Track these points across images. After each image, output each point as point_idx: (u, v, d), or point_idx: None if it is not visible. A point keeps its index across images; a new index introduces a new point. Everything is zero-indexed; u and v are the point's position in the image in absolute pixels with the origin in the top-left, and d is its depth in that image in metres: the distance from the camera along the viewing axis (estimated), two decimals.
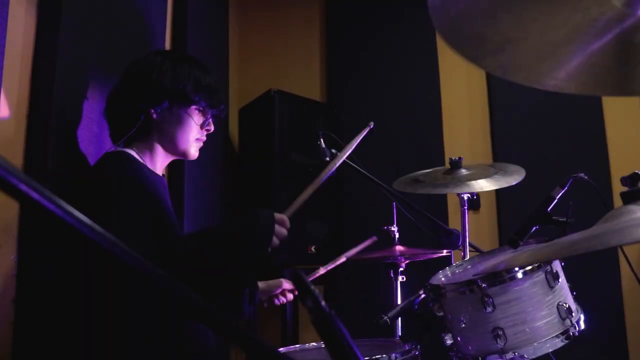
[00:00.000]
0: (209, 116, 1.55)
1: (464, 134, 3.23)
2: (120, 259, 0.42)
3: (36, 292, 1.35)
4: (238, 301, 1.31)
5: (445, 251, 2.00)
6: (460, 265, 1.71)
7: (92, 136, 1.59)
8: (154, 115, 1.46)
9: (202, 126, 1.54)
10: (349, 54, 3.37)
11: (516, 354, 1.32)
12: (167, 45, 2.27)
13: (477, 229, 2.95)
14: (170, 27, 2.33)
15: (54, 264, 1.35)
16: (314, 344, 1.70)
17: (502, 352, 1.33)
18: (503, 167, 1.91)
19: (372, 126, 1.83)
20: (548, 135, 3.02)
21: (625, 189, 0.85)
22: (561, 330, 1.34)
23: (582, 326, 1.38)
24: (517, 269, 1.34)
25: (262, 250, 1.34)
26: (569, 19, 0.54)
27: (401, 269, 2.04)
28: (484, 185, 1.82)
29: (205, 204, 2.48)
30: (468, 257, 1.91)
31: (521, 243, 1.49)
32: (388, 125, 3.19)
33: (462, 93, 3.27)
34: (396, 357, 1.42)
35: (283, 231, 1.38)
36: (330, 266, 1.88)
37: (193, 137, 1.53)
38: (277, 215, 1.38)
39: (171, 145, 1.52)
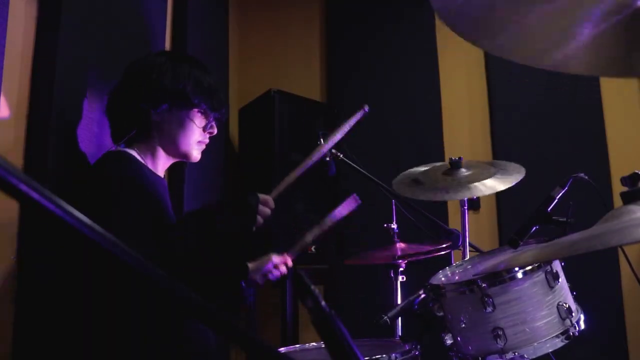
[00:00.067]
0: (211, 119, 1.55)
1: (464, 134, 3.23)
2: (120, 259, 0.42)
3: (36, 292, 1.35)
4: (236, 286, 1.34)
5: (444, 245, 1.99)
6: (460, 265, 1.71)
7: (92, 136, 1.59)
8: (154, 116, 1.46)
9: (204, 129, 1.54)
10: (349, 54, 3.37)
11: (516, 354, 1.32)
12: (167, 45, 2.27)
13: (477, 229, 2.95)
14: (170, 27, 2.33)
15: (54, 264, 1.34)
16: (314, 344, 1.70)
17: (502, 352, 1.33)
18: (503, 166, 1.91)
19: (366, 110, 1.80)
20: (548, 135, 3.02)
21: (625, 189, 0.85)
22: (561, 330, 1.34)
23: (582, 326, 1.38)
24: (517, 269, 1.34)
25: (248, 227, 1.37)
26: (567, 4, 0.54)
27: (401, 268, 2.04)
28: (484, 189, 1.81)
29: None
30: (468, 257, 1.90)
31: (521, 243, 1.49)
32: (388, 125, 3.19)
33: (462, 93, 3.27)
34: (396, 357, 1.41)
35: (267, 210, 1.41)
36: (314, 234, 1.66)
37: (195, 139, 1.52)
38: (262, 196, 1.41)
39: (172, 147, 1.51)
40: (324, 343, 0.51)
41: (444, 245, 1.99)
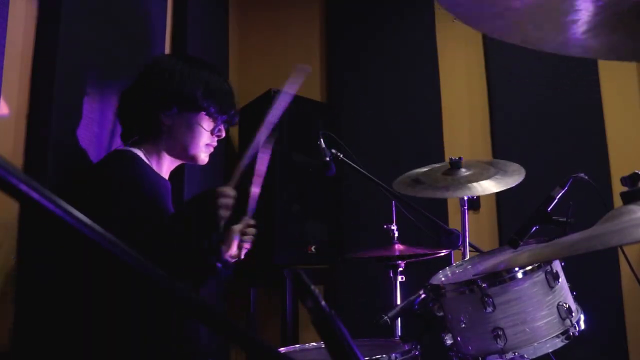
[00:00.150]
0: (219, 122, 1.55)
1: (464, 134, 3.23)
2: (120, 259, 0.42)
3: (36, 292, 1.35)
4: (213, 270, 1.34)
5: (444, 251, 2.00)
6: (460, 265, 1.71)
7: (92, 136, 1.59)
8: (165, 120, 1.47)
9: (212, 132, 1.55)
10: (349, 54, 3.37)
11: (516, 354, 1.32)
12: (167, 45, 2.27)
13: (477, 229, 2.95)
14: (170, 27, 2.33)
15: (54, 264, 1.35)
16: (314, 344, 1.70)
17: (502, 352, 1.33)
18: (503, 166, 1.91)
19: (307, 69, 1.73)
20: (548, 135, 3.02)
21: (625, 189, 0.84)
22: (561, 330, 1.34)
23: (582, 326, 1.38)
24: (517, 269, 1.34)
25: (213, 223, 1.33)
26: None
27: (401, 269, 2.04)
28: (484, 188, 1.82)
29: None
30: (468, 257, 1.90)
31: (521, 243, 1.49)
32: (388, 125, 3.19)
33: (462, 93, 3.27)
34: (396, 357, 1.41)
35: (227, 201, 1.36)
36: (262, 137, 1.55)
37: (203, 142, 1.53)
38: (219, 189, 1.37)
39: (180, 150, 1.52)
40: (324, 343, 0.51)
41: (444, 251, 2.00)
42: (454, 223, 2.75)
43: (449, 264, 1.82)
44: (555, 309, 1.35)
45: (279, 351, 1.16)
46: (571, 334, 1.34)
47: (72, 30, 1.50)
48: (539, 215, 1.51)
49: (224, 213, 1.34)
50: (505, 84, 3.14)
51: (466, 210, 1.97)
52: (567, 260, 1.43)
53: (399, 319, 1.93)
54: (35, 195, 0.37)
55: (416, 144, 3.15)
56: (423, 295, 1.58)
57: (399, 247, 2.04)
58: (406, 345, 1.54)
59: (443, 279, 1.61)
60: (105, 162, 1.42)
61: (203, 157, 1.56)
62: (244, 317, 2.87)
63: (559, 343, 1.34)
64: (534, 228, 1.50)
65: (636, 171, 0.85)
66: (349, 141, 2.21)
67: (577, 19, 0.57)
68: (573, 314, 1.36)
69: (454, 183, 1.87)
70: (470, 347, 1.41)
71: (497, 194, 3.04)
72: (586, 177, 1.51)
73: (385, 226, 2.09)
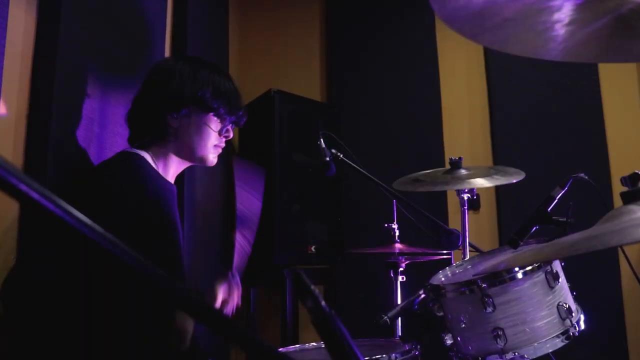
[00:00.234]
0: (227, 122, 1.55)
1: (464, 134, 3.23)
2: (120, 259, 0.42)
3: (36, 292, 1.35)
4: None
5: (445, 252, 2.00)
6: (460, 265, 1.71)
7: (92, 136, 1.59)
8: (172, 122, 1.47)
9: (220, 133, 1.55)
10: (349, 54, 3.37)
11: (516, 354, 1.32)
12: (167, 45, 2.28)
13: (477, 229, 2.95)
14: (170, 27, 2.33)
15: (54, 264, 1.35)
16: (314, 344, 1.70)
17: (502, 352, 1.33)
18: (502, 170, 1.92)
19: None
20: (548, 135, 3.02)
21: (625, 189, 0.85)
22: (561, 331, 1.34)
23: (582, 326, 1.38)
24: (517, 269, 1.34)
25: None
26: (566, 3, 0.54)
27: (401, 269, 2.04)
28: (483, 182, 1.82)
29: (205, 205, 2.48)
30: (468, 257, 1.90)
31: (521, 243, 1.49)
32: (388, 125, 3.19)
33: (462, 93, 3.27)
34: (396, 357, 1.42)
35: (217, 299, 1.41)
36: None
37: (211, 143, 1.53)
38: (209, 296, 1.41)
39: (188, 152, 1.52)
40: (324, 343, 0.51)
41: (444, 253, 2.00)
42: (454, 223, 2.75)
43: (449, 264, 1.82)
44: (555, 309, 1.35)
45: (279, 351, 1.16)
46: (571, 334, 1.34)
47: (72, 30, 1.50)
48: (539, 215, 1.51)
49: (220, 303, 1.39)
50: (505, 84, 3.14)
51: (466, 210, 1.97)
52: (567, 260, 1.43)
53: (399, 319, 1.93)
54: (35, 195, 0.37)
55: (416, 144, 3.15)
56: (423, 295, 1.58)
57: (399, 246, 2.04)
58: (406, 345, 1.54)
59: (443, 279, 1.62)
60: (110, 163, 1.42)
61: (212, 158, 1.56)
62: (244, 317, 2.87)
63: (559, 343, 1.34)
64: (534, 228, 1.50)
65: (636, 171, 0.85)
66: (349, 141, 2.21)
67: (577, 31, 0.57)
68: (573, 314, 1.36)
69: (453, 180, 1.88)
70: (470, 347, 1.41)
71: (497, 194, 3.05)
72: (586, 177, 1.51)
73: (386, 225, 2.09)
